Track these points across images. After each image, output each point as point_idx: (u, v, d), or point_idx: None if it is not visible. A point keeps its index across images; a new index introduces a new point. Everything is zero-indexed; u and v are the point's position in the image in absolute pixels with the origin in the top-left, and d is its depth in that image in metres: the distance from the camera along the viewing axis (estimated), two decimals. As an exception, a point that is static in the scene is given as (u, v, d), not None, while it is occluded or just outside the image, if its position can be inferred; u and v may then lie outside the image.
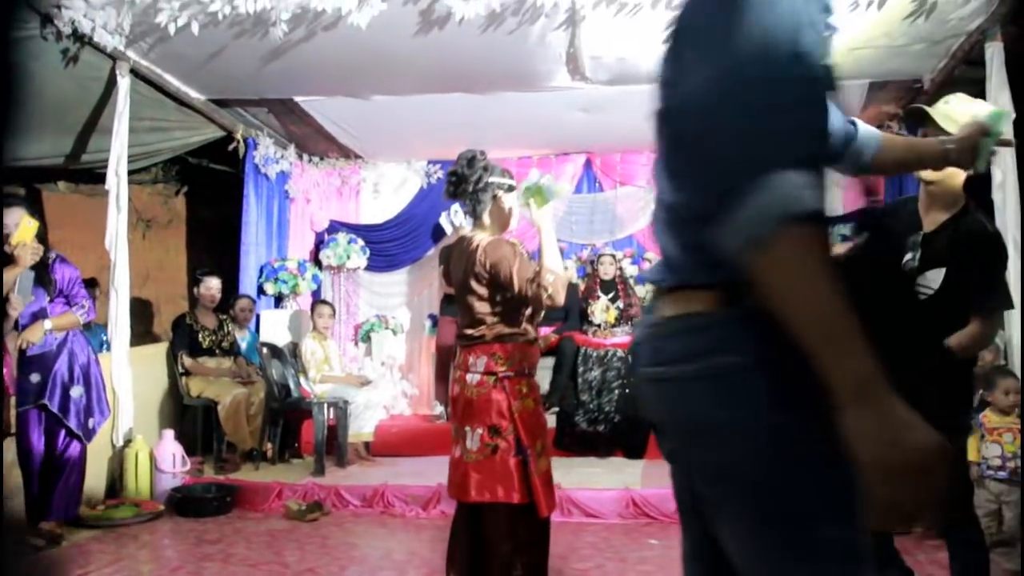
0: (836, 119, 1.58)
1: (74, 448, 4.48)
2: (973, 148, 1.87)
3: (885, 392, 0.97)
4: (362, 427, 6.22)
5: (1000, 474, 3.95)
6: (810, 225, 0.96)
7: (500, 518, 2.88)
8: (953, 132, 2.54)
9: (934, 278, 2.63)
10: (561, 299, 2.85)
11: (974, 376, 2.88)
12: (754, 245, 0.97)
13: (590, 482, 5.20)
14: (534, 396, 3.00)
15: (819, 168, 1.00)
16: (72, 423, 4.44)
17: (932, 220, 2.69)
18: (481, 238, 3.00)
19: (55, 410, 4.38)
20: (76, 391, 4.48)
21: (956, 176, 2.66)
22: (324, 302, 6.85)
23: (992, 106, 2.00)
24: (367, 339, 7.70)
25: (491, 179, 3.02)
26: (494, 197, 3.03)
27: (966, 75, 5.29)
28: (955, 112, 2.58)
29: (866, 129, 1.66)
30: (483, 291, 2.93)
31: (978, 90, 4.92)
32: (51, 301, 4.36)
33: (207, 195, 7.87)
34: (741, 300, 1.07)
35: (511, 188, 3.06)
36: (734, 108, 1.01)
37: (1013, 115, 1.99)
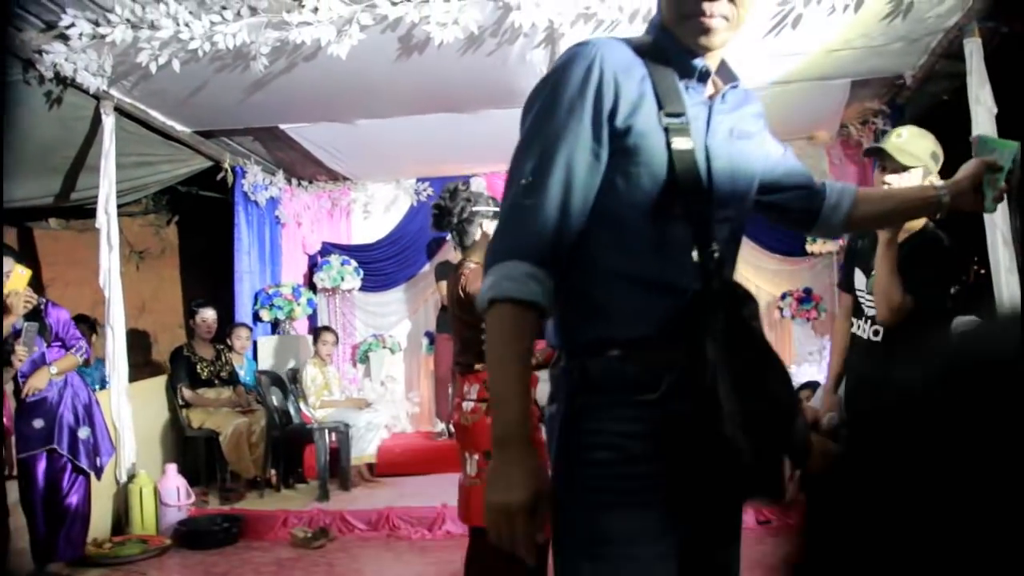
0: (797, 181, 1.57)
1: (79, 488, 4.49)
2: (976, 190, 1.60)
3: (515, 451, 1.20)
4: (364, 449, 6.23)
5: None
6: (504, 307, 1.22)
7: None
8: (910, 164, 2.63)
9: None
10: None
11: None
12: (482, 317, 1.26)
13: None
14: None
15: (532, 259, 1.23)
16: (84, 463, 4.46)
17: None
18: (468, 266, 3.04)
19: (65, 453, 4.39)
20: (84, 432, 4.50)
21: None
22: (328, 329, 6.85)
23: (1000, 137, 1.63)
24: (365, 359, 7.71)
25: (475, 208, 3.05)
26: (480, 226, 3.06)
27: (947, 69, 5.32)
28: (908, 146, 2.67)
29: (836, 187, 1.61)
30: (466, 318, 2.97)
31: (959, 84, 4.95)
32: (49, 346, 4.39)
33: (198, 223, 7.88)
34: (566, 360, 1.34)
35: (496, 215, 3.09)
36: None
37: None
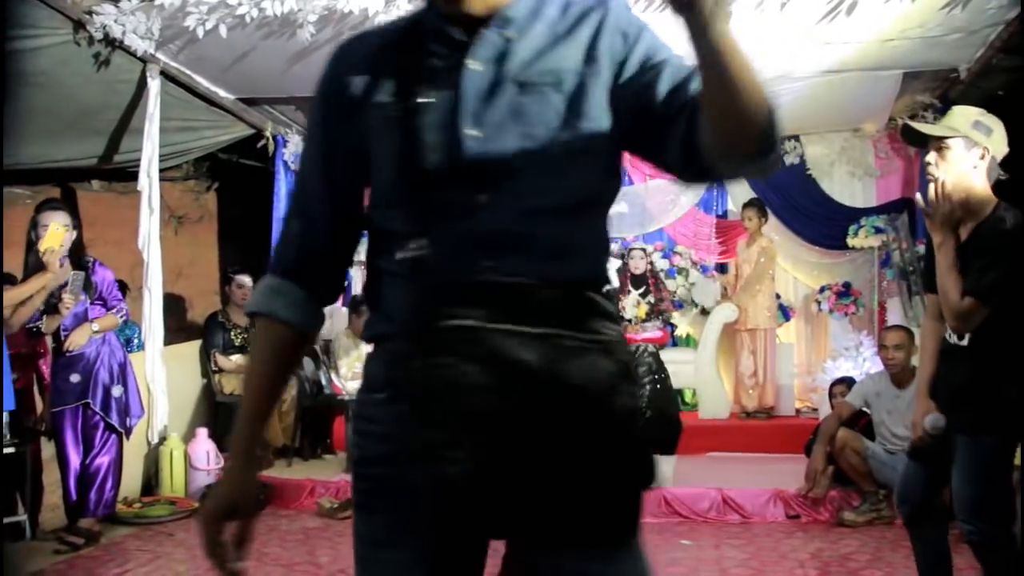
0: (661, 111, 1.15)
1: (111, 447, 4.55)
2: None
3: (233, 460, 1.24)
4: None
5: None
6: (258, 320, 1.25)
7: None
8: (941, 135, 2.52)
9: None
10: None
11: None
12: None
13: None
14: None
15: (280, 273, 1.26)
16: (115, 421, 4.52)
17: (961, 234, 2.59)
18: None
19: (98, 409, 4.45)
20: (117, 390, 4.56)
21: (969, 185, 2.56)
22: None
23: None
24: (397, 333, 7.71)
25: None
26: None
27: (1004, 64, 5.18)
28: (946, 120, 2.58)
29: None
30: None
31: (1015, 78, 4.82)
32: (92, 304, 4.45)
33: (238, 191, 7.91)
34: None
35: None
36: None
37: None
